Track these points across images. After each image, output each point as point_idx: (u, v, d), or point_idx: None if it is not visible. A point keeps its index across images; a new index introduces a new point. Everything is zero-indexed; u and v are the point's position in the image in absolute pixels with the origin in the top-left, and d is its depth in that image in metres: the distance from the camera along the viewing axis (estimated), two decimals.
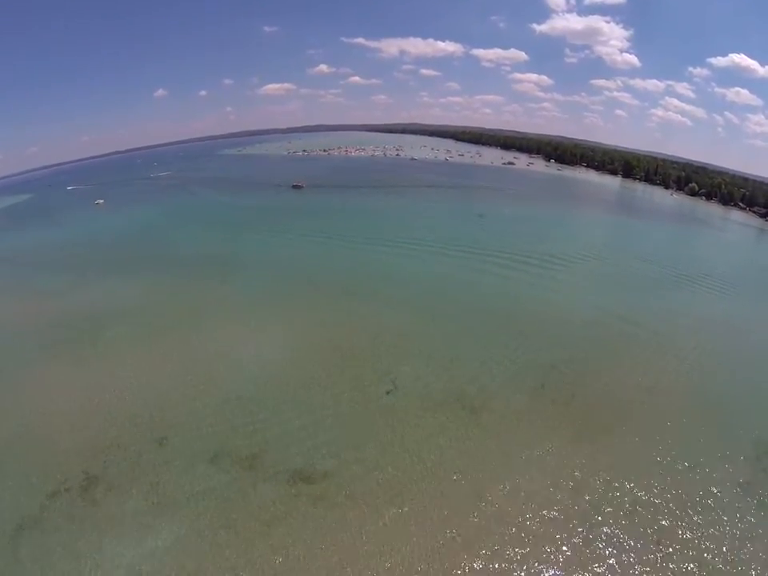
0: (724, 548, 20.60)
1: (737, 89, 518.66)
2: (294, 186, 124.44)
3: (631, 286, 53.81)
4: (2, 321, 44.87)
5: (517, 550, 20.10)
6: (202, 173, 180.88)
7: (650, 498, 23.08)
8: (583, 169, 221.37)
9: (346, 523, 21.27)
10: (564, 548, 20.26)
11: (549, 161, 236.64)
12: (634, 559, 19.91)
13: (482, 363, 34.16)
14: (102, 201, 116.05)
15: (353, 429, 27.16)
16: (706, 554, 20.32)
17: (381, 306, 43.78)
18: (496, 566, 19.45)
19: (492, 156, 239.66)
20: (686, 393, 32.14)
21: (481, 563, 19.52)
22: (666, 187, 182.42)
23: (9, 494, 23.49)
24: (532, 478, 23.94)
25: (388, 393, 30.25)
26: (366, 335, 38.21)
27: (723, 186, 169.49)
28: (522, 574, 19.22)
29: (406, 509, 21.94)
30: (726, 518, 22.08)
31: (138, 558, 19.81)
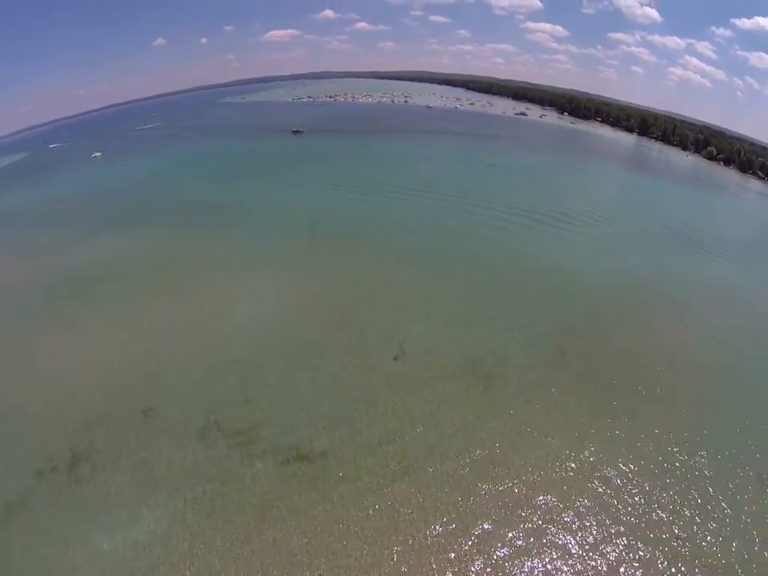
0: (745, 552, 19.11)
1: (760, 53, 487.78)
2: (294, 132, 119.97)
3: (648, 249, 50.89)
4: None
5: (529, 539, 18.65)
6: (200, 121, 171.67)
7: (668, 490, 21.44)
8: (597, 124, 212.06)
9: (344, 507, 19.65)
10: (578, 537, 18.82)
11: (562, 114, 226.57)
12: (649, 550, 18.53)
13: (497, 326, 31.82)
14: (99, 153, 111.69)
15: (355, 400, 25.01)
16: (723, 553, 18.90)
17: (386, 260, 41.08)
18: (504, 553, 18.03)
19: (503, 106, 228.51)
20: (711, 370, 30.09)
21: (491, 552, 18.07)
22: (684, 149, 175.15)
23: None
24: (548, 458, 22.27)
25: (395, 359, 28.00)
26: (371, 292, 35.65)
27: (742, 153, 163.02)
28: (531, 562, 17.87)
29: (413, 490, 20.30)
30: (748, 519, 20.42)
31: (124, 546, 18.42)
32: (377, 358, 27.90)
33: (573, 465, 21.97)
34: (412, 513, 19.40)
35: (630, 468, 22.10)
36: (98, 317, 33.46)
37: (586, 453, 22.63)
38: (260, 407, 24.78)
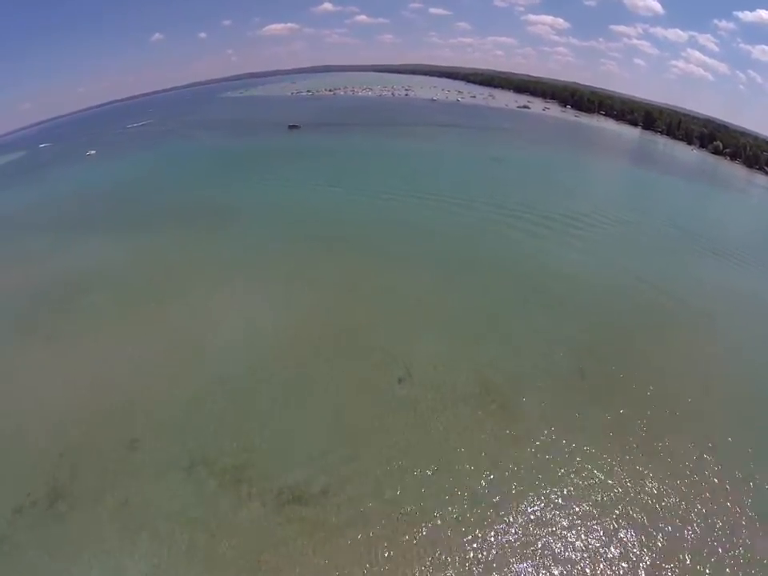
0: None
1: (763, 46, 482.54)
2: (291, 127, 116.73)
3: (665, 253, 48.53)
4: None
5: None
6: (196, 117, 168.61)
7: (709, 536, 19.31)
8: (601, 117, 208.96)
9: (348, 557, 17.43)
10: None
11: (564, 107, 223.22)
12: None
13: (509, 341, 29.37)
14: (93, 151, 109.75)
15: (357, 431, 22.64)
16: None
17: (388, 267, 38.45)
18: None
19: (505, 99, 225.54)
20: (743, 394, 27.64)
21: None
22: (689, 143, 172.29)
23: None
24: (570, 496, 20.08)
25: (400, 381, 25.52)
26: (373, 305, 33.07)
27: (749, 148, 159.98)
28: None
29: (420, 535, 18.08)
30: None
31: None
32: (380, 381, 25.44)
33: (603, 504, 19.82)
34: (430, 568, 17.25)
35: (662, 503, 20.01)
36: (81, 332, 31.07)
37: (615, 490, 20.48)
38: (252, 439, 22.47)
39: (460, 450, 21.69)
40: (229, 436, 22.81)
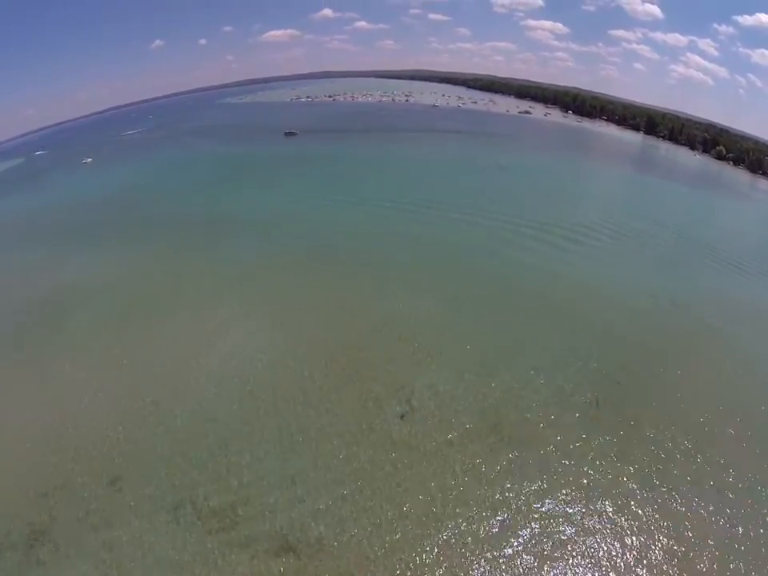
0: None
1: (762, 50, 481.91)
2: (287, 134, 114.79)
3: (679, 265, 46.48)
4: None
5: None
6: (194, 123, 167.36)
7: None
8: (603, 122, 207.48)
9: None
10: None
11: (566, 112, 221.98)
12: None
13: (519, 369, 27.11)
14: (90, 159, 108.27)
15: (355, 472, 20.51)
16: None
17: (387, 288, 35.81)
18: None
19: (506, 104, 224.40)
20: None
21: None
22: (692, 148, 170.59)
23: None
24: (591, 548, 17.90)
25: (402, 417, 23.26)
26: (371, 330, 30.60)
27: (752, 153, 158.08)
28: None
29: None
30: None
31: None
32: (380, 417, 23.18)
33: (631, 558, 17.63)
34: None
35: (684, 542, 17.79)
36: (61, 358, 28.91)
37: (642, 540, 18.27)
38: (241, 481, 20.42)
39: (466, 494, 19.57)
40: (218, 475, 20.83)
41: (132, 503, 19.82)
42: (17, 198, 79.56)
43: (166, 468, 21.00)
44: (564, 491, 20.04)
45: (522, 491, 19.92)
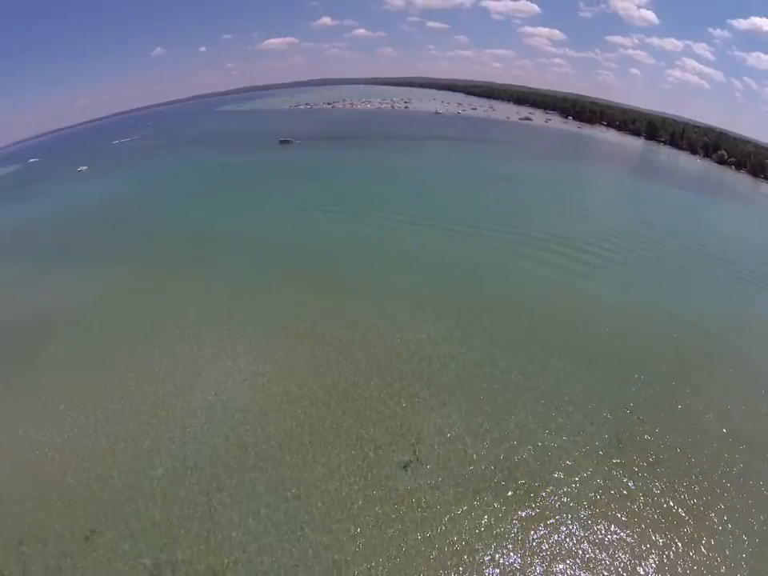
0: None
1: (757, 53, 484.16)
2: (282, 142, 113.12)
3: (697, 280, 44.05)
4: None
5: None
6: (191, 131, 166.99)
7: None
8: (603, 128, 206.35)
9: None
10: None
11: (566, 118, 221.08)
12: None
13: (533, 409, 24.67)
14: (85, 167, 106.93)
15: (351, 533, 18.19)
16: None
17: (389, 318, 32.95)
18: None
19: (506, 111, 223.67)
20: None
21: None
22: (693, 153, 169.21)
23: None
24: None
25: (405, 467, 20.82)
26: (372, 368, 27.65)
27: (753, 156, 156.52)
28: None
29: None
30: None
31: None
32: (381, 467, 20.76)
33: None
34: None
35: None
36: (34, 394, 26.67)
37: None
38: (224, 542, 18.15)
39: (471, 555, 17.29)
40: (202, 532, 18.60)
41: (107, 559, 17.75)
42: (2, 208, 77.62)
43: (146, 521, 18.84)
44: (587, 555, 17.80)
45: (545, 558, 17.68)
